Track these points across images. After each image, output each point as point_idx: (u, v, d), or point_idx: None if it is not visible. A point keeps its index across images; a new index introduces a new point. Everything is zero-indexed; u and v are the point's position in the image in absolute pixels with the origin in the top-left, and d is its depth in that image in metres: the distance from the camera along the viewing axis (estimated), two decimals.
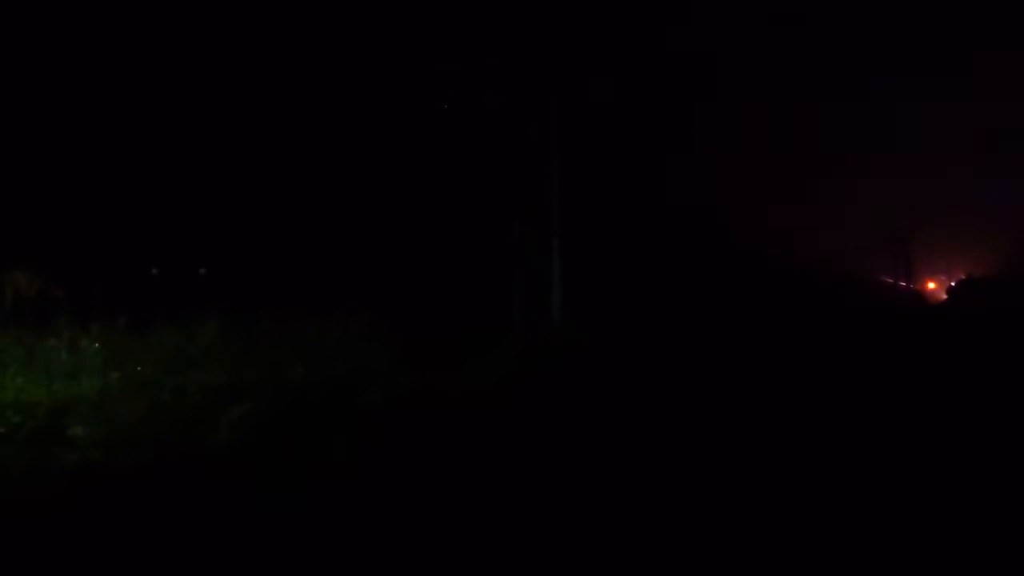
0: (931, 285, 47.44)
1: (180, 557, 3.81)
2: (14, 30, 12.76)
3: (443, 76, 15.12)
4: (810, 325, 15.71)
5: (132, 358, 7.61)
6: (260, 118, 14.97)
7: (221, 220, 14.56)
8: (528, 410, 7.22)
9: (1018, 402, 7.44)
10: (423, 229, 16.78)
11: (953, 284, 37.92)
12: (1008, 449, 5.76)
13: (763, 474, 5.12)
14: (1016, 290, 22.32)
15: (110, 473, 5.06)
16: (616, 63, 17.12)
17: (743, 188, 34.28)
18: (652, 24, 16.99)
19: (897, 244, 40.51)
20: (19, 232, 10.99)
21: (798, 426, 6.66)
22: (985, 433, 6.30)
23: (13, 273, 8.74)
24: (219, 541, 3.98)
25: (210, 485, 4.85)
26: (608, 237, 21.08)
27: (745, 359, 10.53)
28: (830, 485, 4.86)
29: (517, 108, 15.72)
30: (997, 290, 24.33)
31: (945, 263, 47.13)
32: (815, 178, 38.95)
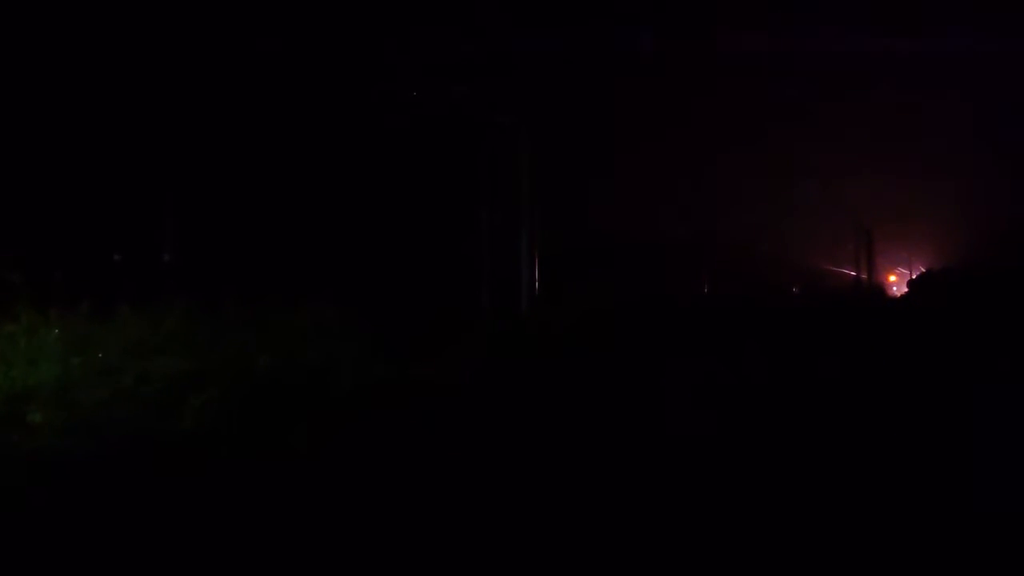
0: (892, 278, 48.40)
1: (141, 545, 3.77)
2: None
3: (414, 65, 15.03)
4: (772, 316, 15.98)
5: (94, 344, 7.46)
6: (227, 103, 14.73)
7: (187, 205, 14.33)
8: (494, 398, 7.26)
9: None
10: (394, 218, 16.68)
11: (914, 277, 38.71)
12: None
13: (726, 459, 5.22)
14: (970, 283, 23.14)
15: (71, 460, 4.98)
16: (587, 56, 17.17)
17: (714, 181, 34.66)
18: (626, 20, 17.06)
19: (861, 238, 41.16)
20: None
21: (761, 414, 6.78)
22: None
23: None
24: (182, 530, 3.95)
25: (174, 473, 4.80)
26: (580, 228, 21.18)
27: (708, 351, 10.69)
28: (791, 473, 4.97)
29: (488, 98, 15.68)
30: (953, 283, 25.12)
31: (907, 256, 48.13)
32: (784, 172, 39.50)
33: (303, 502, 4.33)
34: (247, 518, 4.07)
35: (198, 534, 3.88)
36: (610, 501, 4.39)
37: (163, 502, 4.26)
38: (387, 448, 5.50)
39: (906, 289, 37.46)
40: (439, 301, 14.15)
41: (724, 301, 18.33)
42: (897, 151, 40.27)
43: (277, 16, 15.03)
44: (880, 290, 40.03)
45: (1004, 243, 33.15)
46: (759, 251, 34.00)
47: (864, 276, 40.43)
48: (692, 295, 19.09)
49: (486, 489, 4.61)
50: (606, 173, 24.17)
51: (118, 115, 13.66)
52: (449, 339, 10.36)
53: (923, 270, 40.22)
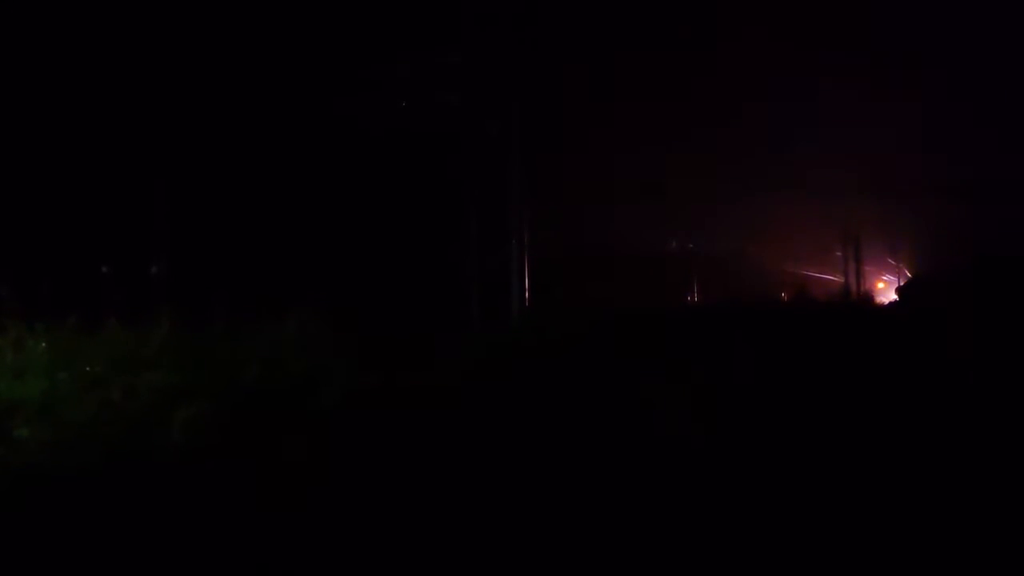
0: (880, 285, 48.69)
1: (129, 561, 3.75)
2: None
3: (403, 74, 15.08)
4: (761, 323, 16.06)
5: (81, 358, 7.42)
6: (216, 114, 14.72)
7: (174, 217, 14.29)
8: (483, 408, 7.25)
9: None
10: (383, 228, 16.69)
11: (902, 284, 38.96)
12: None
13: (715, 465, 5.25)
14: (952, 288, 23.39)
15: (57, 475, 4.95)
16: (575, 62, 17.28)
17: (702, 190, 34.87)
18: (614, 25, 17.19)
19: (849, 245, 41.39)
20: None
21: (752, 416, 6.82)
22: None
23: None
24: (170, 545, 3.92)
25: (162, 487, 4.77)
26: (570, 238, 21.26)
27: (700, 357, 10.72)
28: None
29: (477, 107, 15.75)
30: (940, 289, 25.31)
31: (895, 263, 48.47)
32: (770, 179, 39.80)
33: (300, 512, 4.31)
34: (240, 531, 4.05)
35: (188, 549, 3.86)
36: (607, 503, 4.41)
37: (152, 516, 4.23)
38: (381, 455, 5.48)
39: (894, 296, 37.71)
40: (431, 310, 14.15)
41: (713, 309, 18.40)
42: (885, 158, 40.65)
43: (270, 27, 15.05)
44: (867, 297, 40.27)
45: (990, 248, 33.47)
46: (748, 259, 34.21)
47: (852, 284, 40.66)
48: (682, 303, 19.18)
49: (483, 493, 4.62)
50: (596, 183, 24.30)
51: (103, 126, 13.63)
52: (440, 347, 10.36)
53: (910, 276, 40.53)
